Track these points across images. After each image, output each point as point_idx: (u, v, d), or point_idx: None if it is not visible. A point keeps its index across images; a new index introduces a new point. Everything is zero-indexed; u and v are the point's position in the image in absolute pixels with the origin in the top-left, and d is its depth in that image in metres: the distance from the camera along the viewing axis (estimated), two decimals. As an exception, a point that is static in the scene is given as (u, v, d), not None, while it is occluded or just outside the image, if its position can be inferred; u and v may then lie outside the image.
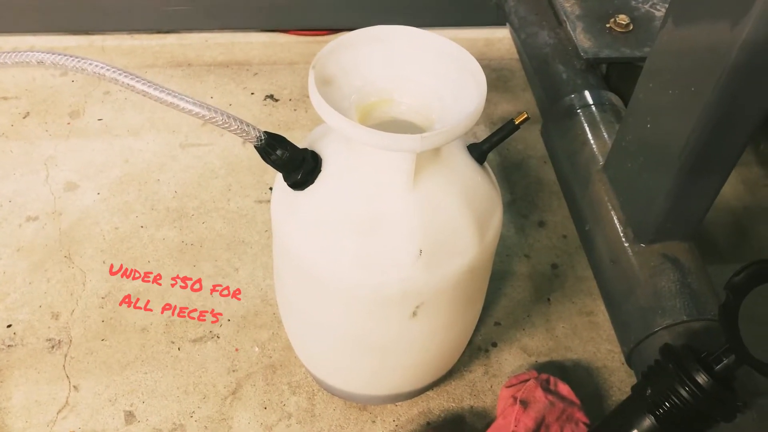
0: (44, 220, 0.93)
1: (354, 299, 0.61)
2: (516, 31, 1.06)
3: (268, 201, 0.97)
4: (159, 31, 1.20)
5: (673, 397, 0.57)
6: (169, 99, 0.53)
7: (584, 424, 0.74)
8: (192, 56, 1.18)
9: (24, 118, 1.06)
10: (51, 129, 1.04)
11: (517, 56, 1.15)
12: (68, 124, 1.05)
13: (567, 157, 0.85)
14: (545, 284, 0.91)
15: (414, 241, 0.58)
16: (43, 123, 1.05)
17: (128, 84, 0.53)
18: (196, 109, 0.54)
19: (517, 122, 0.62)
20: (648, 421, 0.59)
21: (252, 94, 1.13)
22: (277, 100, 1.12)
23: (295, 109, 1.11)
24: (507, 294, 0.89)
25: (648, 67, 0.69)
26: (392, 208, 0.58)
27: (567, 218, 0.97)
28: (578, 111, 0.87)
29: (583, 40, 0.94)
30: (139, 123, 1.06)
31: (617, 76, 0.96)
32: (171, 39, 1.20)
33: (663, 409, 0.57)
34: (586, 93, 0.89)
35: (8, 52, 0.55)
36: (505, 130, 0.63)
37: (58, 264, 0.88)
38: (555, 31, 1.01)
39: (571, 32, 0.95)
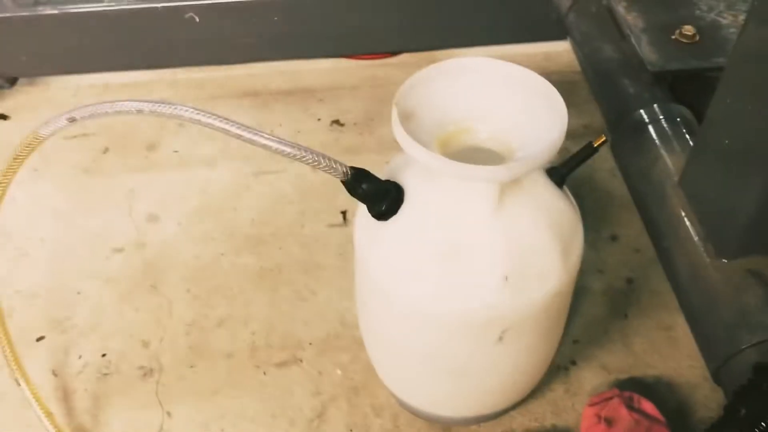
0: (129, 251, 0.97)
1: (439, 326, 0.62)
2: (578, 46, 1.07)
3: (340, 225, 1.00)
4: (227, 62, 1.24)
5: (769, 418, 0.57)
6: (263, 141, 0.56)
7: (670, 441, 0.74)
8: (259, 86, 1.21)
9: (104, 153, 1.11)
10: (129, 163, 1.09)
11: (577, 69, 1.14)
12: (146, 157, 1.10)
13: (639, 173, 0.85)
14: (621, 299, 0.90)
15: (499, 267, 0.59)
16: (122, 157, 1.10)
17: (224, 128, 0.56)
18: (288, 149, 0.56)
19: (596, 145, 0.63)
20: (743, 442, 0.58)
21: (318, 120, 1.16)
22: (342, 125, 1.14)
23: (360, 133, 1.13)
24: (583, 311, 0.89)
25: (726, 76, 0.68)
26: (476, 235, 0.59)
27: (639, 232, 0.96)
28: (648, 126, 0.87)
29: (649, 53, 0.93)
30: (213, 153, 1.10)
31: (684, 89, 0.95)
32: (238, 70, 1.24)
33: (758, 429, 0.57)
34: (655, 107, 0.88)
35: (108, 102, 0.59)
36: (584, 153, 0.64)
37: (144, 293, 0.92)
38: (618, 44, 1.00)
39: (636, 45, 0.94)
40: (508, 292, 0.60)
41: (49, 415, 0.75)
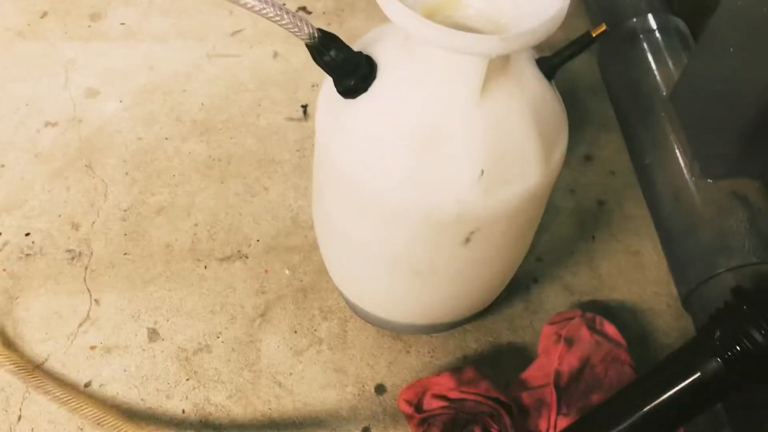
0: (64, 126, 0.88)
1: (404, 221, 0.56)
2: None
3: (300, 119, 0.92)
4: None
5: (746, 341, 0.53)
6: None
7: (630, 366, 0.71)
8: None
9: (42, 17, 0.99)
10: (70, 31, 0.98)
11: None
12: (89, 27, 0.99)
13: (627, 86, 0.80)
14: (590, 221, 0.86)
15: (476, 161, 0.53)
16: (62, 24, 0.99)
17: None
18: (251, 2, 0.48)
19: (594, 34, 0.56)
20: (714, 365, 0.54)
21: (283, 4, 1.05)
22: (310, 13, 1.05)
23: (329, 23, 1.04)
24: (550, 229, 0.84)
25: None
26: (454, 123, 0.52)
27: (616, 153, 0.91)
28: (641, 36, 0.81)
29: (649, -41, 0.86)
30: (165, 29, 0.99)
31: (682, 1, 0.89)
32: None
33: (732, 352, 0.53)
34: (650, 17, 0.82)
35: None
36: (580, 43, 0.57)
37: (78, 173, 0.84)
38: (616, -51, 0.93)
39: (636, -49, 0.87)
40: (481, 188, 0.53)
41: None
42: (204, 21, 1.01)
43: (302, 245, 0.80)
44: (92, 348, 0.71)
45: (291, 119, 0.92)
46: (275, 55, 0.98)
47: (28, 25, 0.98)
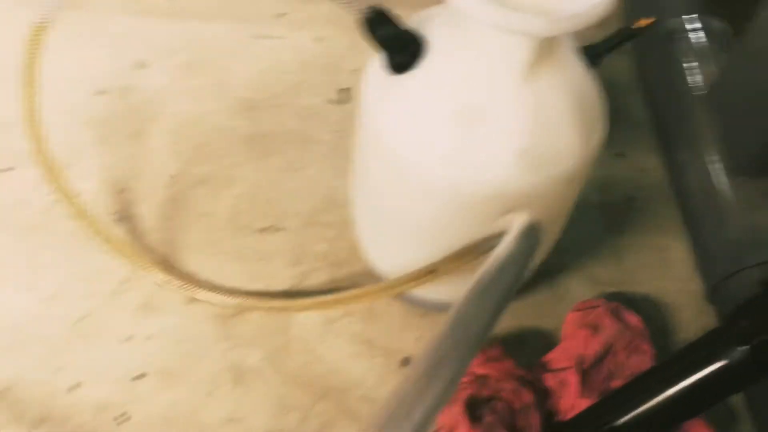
0: (113, 95, 0.91)
1: (444, 196, 0.58)
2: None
3: (339, 102, 0.94)
4: None
5: (772, 330, 0.55)
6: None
7: (651, 357, 0.72)
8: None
9: (95, -9, 1.03)
10: (121, 4, 1.01)
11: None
12: (137, 2, 1.02)
13: (663, 84, 0.81)
14: (619, 216, 0.88)
15: (518, 139, 0.55)
16: (112, -2, 1.02)
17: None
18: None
19: (641, 26, 0.58)
20: (739, 352, 0.56)
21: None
22: None
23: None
24: (579, 221, 0.85)
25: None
26: (499, 101, 0.55)
27: (647, 152, 0.93)
28: (680, 35, 0.82)
29: (691, -38, 0.88)
30: (212, 8, 1.02)
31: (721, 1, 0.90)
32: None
33: (760, 339, 0.55)
34: (690, 17, 0.84)
35: None
36: (626, 32, 0.59)
37: (124, 140, 0.87)
38: (659, -48, 0.95)
39: (679, -47, 0.89)
40: (522, 167, 0.56)
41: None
42: (250, 2, 1.04)
43: (337, 222, 0.82)
44: (135, 306, 0.74)
45: (331, 101, 0.94)
46: (317, 39, 1.01)
47: (83, -3, 1.02)
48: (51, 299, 0.74)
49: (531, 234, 0.32)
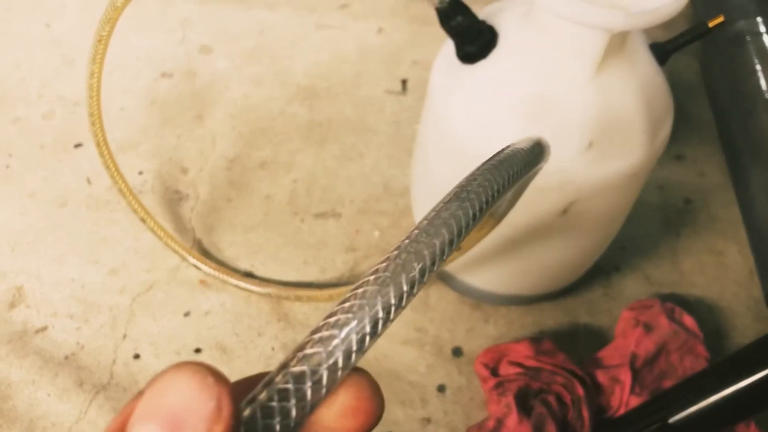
0: (178, 78, 0.93)
1: (507, 185, 0.59)
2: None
3: (398, 93, 0.95)
4: None
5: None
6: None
7: (705, 359, 0.72)
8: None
9: (164, -23, 1.06)
10: (189, -8, 1.04)
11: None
12: (206, -11, 1.05)
13: (728, 87, 0.80)
14: (676, 218, 0.87)
15: (586, 132, 0.55)
16: (182, -15, 1.05)
17: None
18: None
19: (711, 25, 0.58)
20: (802, 356, 0.55)
21: (390, -16, 1.09)
22: (414, -6, 1.08)
23: None
24: (636, 221, 0.85)
25: None
26: (568, 94, 0.55)
27: (707, 155, 0.91)
28: (748, 38, 0.81)
29: (763, -36, 0.86)
30: (276, -3, 1.05)
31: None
32: None
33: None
34: (759, 20, 0.83)
35: None
36: (695, 32, 0.58)
37: (189, 122, 0.89)
38: (728, -47, 0.93)
39: (750, -45, 0.87)
40: (588, 159, 0.56)
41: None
42: (314, -8, 1.06)
43: (392, 210, 0.83)
44: (194, 282, 0.76)
45: (390, 92, 0.95)
46: (379, 30, 1.02)
47: (152, -17, 1.04)
48: (114, 273, 0.76)
49: (539, 143, 0.33)
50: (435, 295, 0.77)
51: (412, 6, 1.06)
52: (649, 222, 0.86)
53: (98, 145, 0.68)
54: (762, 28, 0.82)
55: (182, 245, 0.74)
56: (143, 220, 0.73)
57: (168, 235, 0.74)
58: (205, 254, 0.78)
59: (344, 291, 0.67)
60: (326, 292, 0.71)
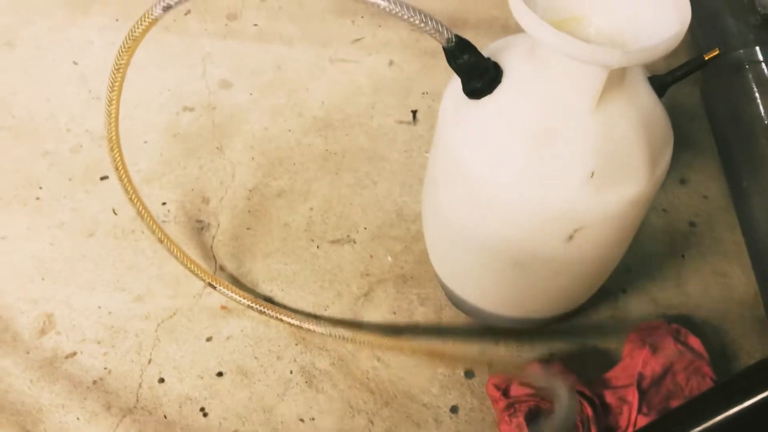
0: (200, 111, 0.98)
1: (515, 214, 0.62)
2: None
3: (409, 123, 0.99)
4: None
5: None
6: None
7: (711, 380, 0.74)
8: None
9: (185, 15, 1.10)
10: (210, 28, 1.09)
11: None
12: (226, 25, 1.09)
13: (729, 113, 0.83)
14: (681, 240, 0.89)
15: (588, 163, 0.58)
16: (202, 21, 1.09)
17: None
18: (395, 8, 0.55)
19: (707, 58, 0.61)
20: (802, 375, 0.57)
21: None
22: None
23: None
24: (642, 243, 0.88)
25: None
26: (571, 127, 0.58)
27: (710, 179, 0.94)
28: (747, 67, 0.84)
29: (762, -5, 0.89)
30: (293, 33, 1.09)
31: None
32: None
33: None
34: (757, 49, 0.86)
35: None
36: (692, 65, 0.61)
37: (210, 153, 0.93)
38: (728, -16, 0.97)
39: (749, -13, 0.91)
40: (591, 189, 0.59)
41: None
42: (328, 28, 1.10)
43: (405, 236, 0.87)
44: (215, 308, 0.79)
45: (401, 122, 0.99)
46: (390, 63, 1.06)
47: (174, 20, 1.09)
48: (140, 299, 0.80)
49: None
50: (447, 318, 0.80)
51: (422, 39, 1.10)
52: (655, 245, 0.88)
53: (117, 169, 0.71)
54: (760, 57, 0.85)
55: (217, 279, 0.78)
56: (169, 250, 0.76)
57: (197, 266, 0.77)
58: (234, 281, 0.81)
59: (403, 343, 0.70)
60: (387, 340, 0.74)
